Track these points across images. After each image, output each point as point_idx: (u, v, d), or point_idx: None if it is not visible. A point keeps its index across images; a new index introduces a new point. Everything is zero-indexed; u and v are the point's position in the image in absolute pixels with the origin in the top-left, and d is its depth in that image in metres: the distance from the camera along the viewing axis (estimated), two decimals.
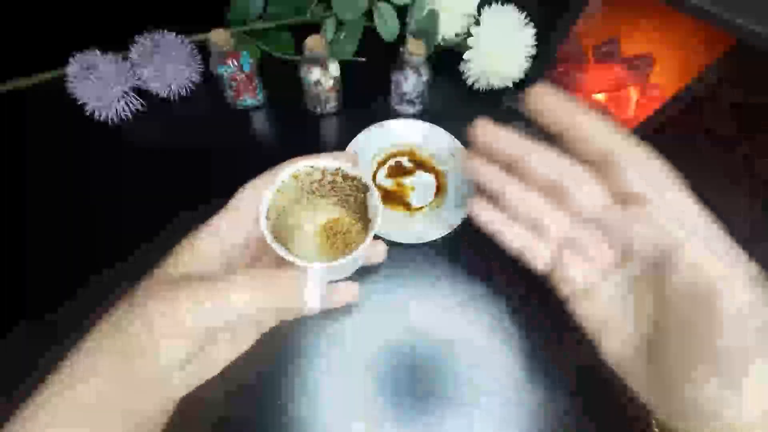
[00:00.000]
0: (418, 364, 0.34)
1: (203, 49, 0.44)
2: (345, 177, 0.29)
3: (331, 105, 0.45)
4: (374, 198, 0.27)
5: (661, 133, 0.41)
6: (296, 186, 0.29)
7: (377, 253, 0.32)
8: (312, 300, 0.23)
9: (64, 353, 0.21)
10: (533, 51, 0.44)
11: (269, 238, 0.24)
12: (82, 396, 0.20)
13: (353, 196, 0.30)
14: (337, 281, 0.30)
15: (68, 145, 0.42)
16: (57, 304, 0.33)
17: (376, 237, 0.35)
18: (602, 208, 0.24)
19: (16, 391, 0.20)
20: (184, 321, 0.21)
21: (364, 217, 0.30)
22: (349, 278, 0.30)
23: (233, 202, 0.26)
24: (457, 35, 0.46)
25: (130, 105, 0.43)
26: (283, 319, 0.28)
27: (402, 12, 0.46)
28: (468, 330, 0.36)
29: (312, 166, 0.28)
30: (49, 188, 0.40)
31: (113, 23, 0.45)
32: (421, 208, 0.41)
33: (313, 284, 0.23)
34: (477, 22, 0.44)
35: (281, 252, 0.24)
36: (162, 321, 0.21)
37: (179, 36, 0.44)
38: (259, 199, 0.26)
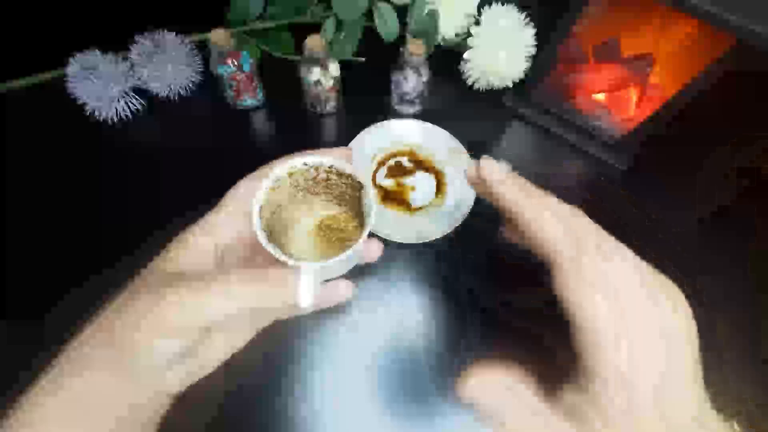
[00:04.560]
0: (417, 364, 0.34)
1: (203, 49, 0.44)
2: (339, 174, 0.29)
3: (331, 105, 0.45)
4: (368, 195, 0.27)
5: (662, 133, 0.41)
6: (291, 183, 0.29)
7: (371, 251, 0.32)
8: (305, 299, 0.23)
9: (58, 349, 0.21)
10: (533, 51, 0.44)
11: (261, 237, 0.24)
12: (76, 391, 0.20)
13: (348, 193, 0.30)
14: (332, 279, 0.30)
15: (68, 145, 0.42)
16: (56, 302, 0.33)
17: (375, 237, 0.35)
18: None
19: (9, 390, 0.20)
20: (172, 320, 0.21)
21: (359, 214, 0.30)
22: (345, 276, 0.30)
23: (226, 200, 0.26)
24: (457, 35, 0.46)
25: (130, 105, 0.43)
26: (278, 317, 0.28)
27: (402, 12, 0.46)
28: (468, 329, 0.36)
29: (305, 164, 0.28)
30: (49, 188, 0.40)
31: (113, 23, 0.45)
32: (421, 208, 0.41)
33: (305, 283, 0.23)
34: (477, 22, 0.44)
35: (273, 251, 0.24)
36: (150, 320, 0.21)
37: (179, 36, 0.44)
38: (252, 196, 0.26)
